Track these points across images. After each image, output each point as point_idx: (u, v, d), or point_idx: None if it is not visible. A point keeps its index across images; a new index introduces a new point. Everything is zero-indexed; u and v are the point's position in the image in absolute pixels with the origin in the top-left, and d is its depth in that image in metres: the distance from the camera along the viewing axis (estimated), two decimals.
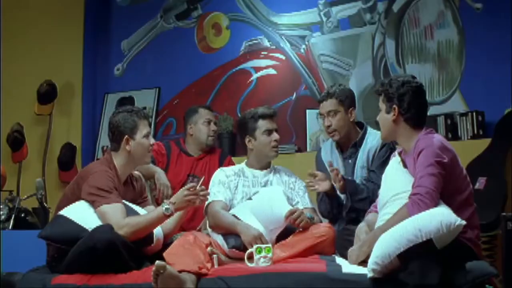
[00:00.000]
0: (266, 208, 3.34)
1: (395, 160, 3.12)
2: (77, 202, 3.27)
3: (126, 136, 3.37)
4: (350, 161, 3.69)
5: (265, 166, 3.66)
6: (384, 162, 3.43)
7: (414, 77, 3.10)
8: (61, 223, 3.21)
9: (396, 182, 3.00)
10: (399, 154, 3.11)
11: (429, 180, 2.78)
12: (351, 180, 3.58)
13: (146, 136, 3.41)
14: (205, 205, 3.51)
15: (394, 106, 3.02)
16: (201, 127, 4.23)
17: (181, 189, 3.28)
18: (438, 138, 2.94)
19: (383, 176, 3.13)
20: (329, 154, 3.77)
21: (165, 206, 3.19)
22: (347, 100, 3.68)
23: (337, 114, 3.66)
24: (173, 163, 4.16)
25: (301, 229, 3.30)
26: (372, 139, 3.66)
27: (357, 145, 3.67)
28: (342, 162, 3.71)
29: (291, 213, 3.28)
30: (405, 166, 3.02)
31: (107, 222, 3.13)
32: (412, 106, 3.00)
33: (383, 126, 3.10)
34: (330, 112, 3.67)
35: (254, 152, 3.65)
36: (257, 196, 3.46)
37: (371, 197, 3.43)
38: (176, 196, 3.25)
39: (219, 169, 3.73)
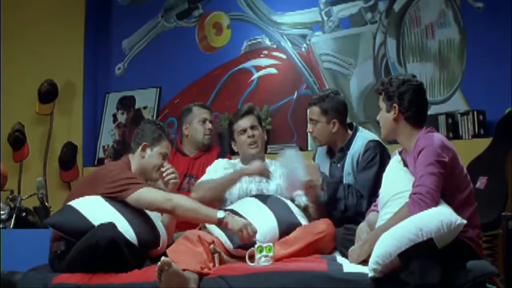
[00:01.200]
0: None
1: (395, 159, 3.11)
2: (88, 197, 3.26)
3: (146, 143, 3.41)
4: (338, 165, 3.63)
5: None
6: (366, 167, 3.44)
7: (414, 76, 3.11)
8: (70, 214, 3.21)
9: (397, 182, 3.00)
10: (400, 153, 3.11)
11: (429, 179, 2.78)
12: (330, 179, 3.56)
13: (162, 155, 3.43)
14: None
15: (395, 104, 3.02)
16: (197, 126, 4.19)
17: (248, 222, 3.16)
18: (438, 137, 2.94)
19: (384, 175, 3.13)
20: (322, 156, 3.75)
21: (222, 212, 3.19)
22: (331, 111, 3.58)
23: (318, 123, 3.61)
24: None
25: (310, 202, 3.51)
26: (359, 141, 3.58)
27: (345, 149, 3.62)
28: (329, 167, 3.67)
29: (310, 181, 3.43)
30: (405, 165, 3.02)
31: (149, 201, 3.20)
32: (413, 104, 3.01)
33: (384, 125, 3.10)
34: (312, 119, 3.64)
35: (241, 154, 3.71)
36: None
37: (345, 200, 3.44)
38: (238, 219, 3.18)
39: (220, 159, 3.78)
